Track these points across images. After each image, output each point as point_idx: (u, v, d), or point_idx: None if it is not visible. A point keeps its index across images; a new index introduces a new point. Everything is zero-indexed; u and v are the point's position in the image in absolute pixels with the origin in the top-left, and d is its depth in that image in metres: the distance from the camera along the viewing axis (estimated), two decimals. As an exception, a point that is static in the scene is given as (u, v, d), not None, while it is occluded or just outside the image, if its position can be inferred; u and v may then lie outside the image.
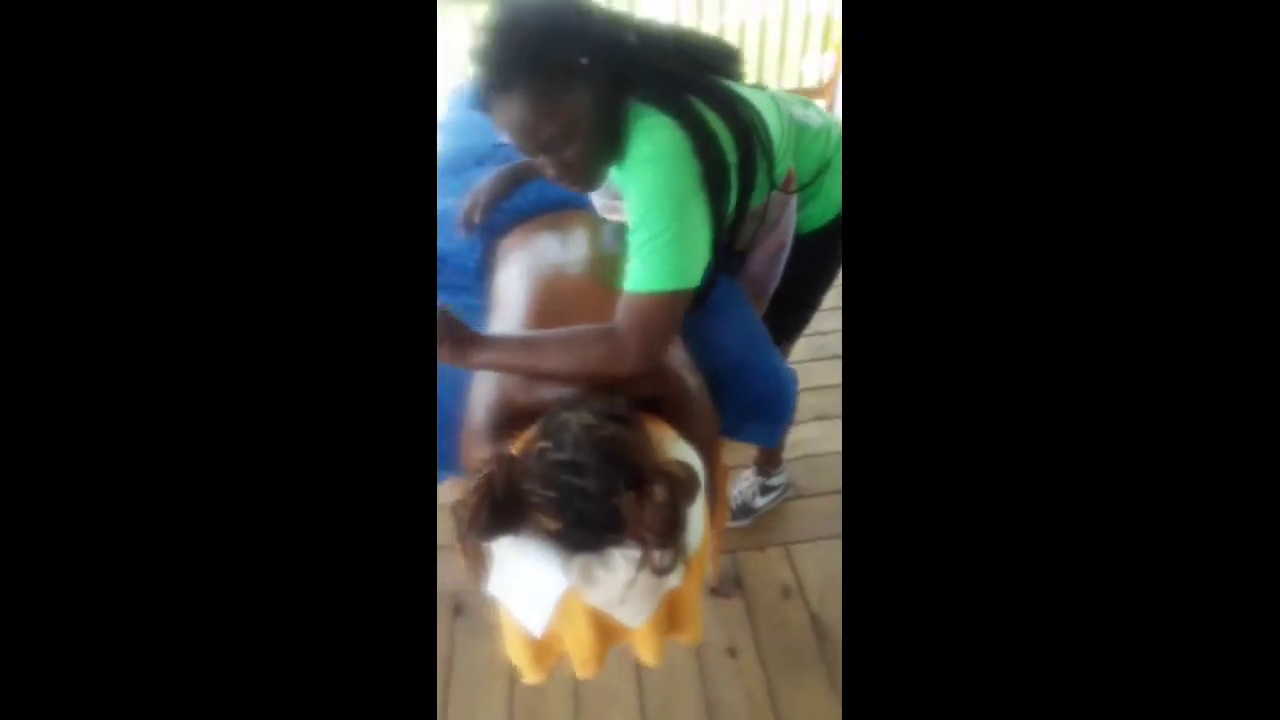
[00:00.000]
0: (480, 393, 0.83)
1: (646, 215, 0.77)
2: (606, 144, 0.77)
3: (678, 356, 0.87)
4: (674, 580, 0.71)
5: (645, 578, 0.68)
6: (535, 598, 0.70)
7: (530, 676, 0.90)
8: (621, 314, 0.78)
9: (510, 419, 0.81)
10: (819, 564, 1.39)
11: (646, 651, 0.80)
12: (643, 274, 0.77)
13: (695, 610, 0.83)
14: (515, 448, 0.71)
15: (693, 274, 0.79)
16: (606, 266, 0.90)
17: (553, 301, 0.87)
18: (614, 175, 0.82)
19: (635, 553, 0.67)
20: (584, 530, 0.67)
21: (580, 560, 0.69)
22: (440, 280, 1.07)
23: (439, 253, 1.07)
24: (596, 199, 1.01)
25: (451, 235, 1.07)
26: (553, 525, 0.66)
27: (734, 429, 0.95)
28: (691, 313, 0.83)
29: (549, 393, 0.79)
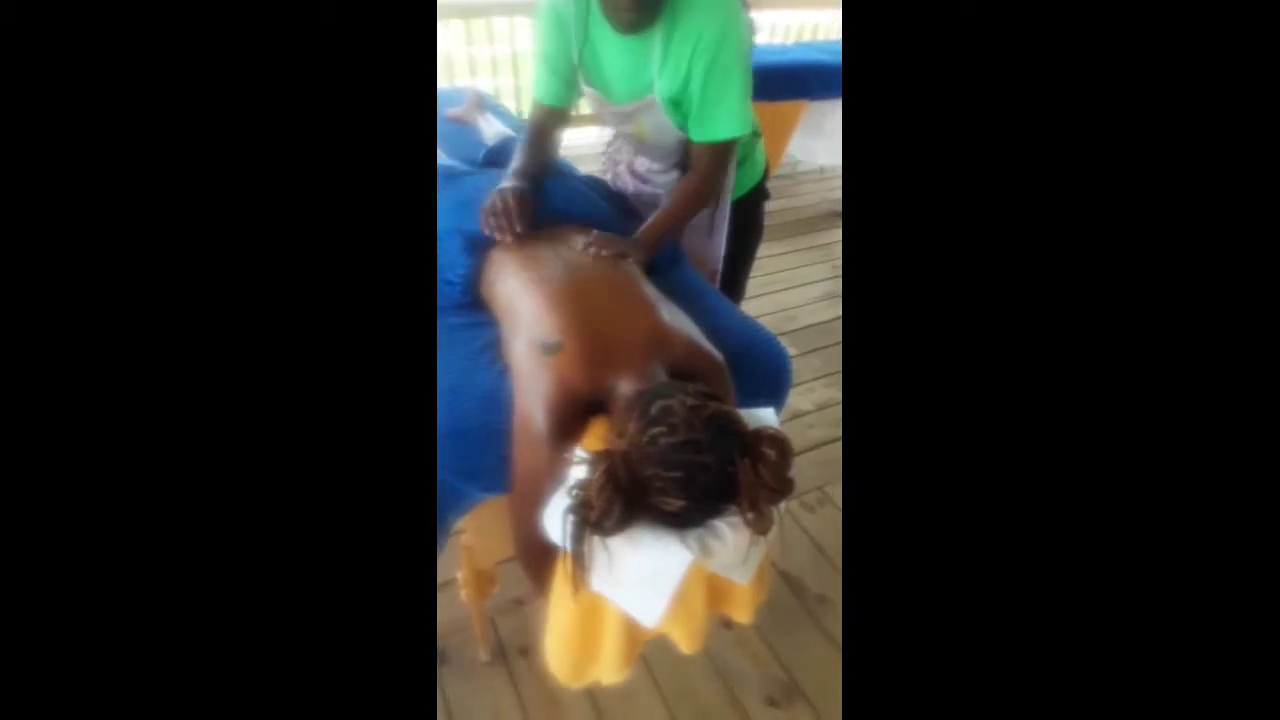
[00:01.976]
0: (533, 398, 0.83)
1: (713, 67, 1.00)
2: None
3: (702, 337, 0.93)
4: (772, 536, 0.78)
5: (755, 539, 0.74)
6: (660, 577, 0.72)
7: (575, 681, 0.91)
8: (707, 160, 1.11)
9: (574, 415, 0.82)
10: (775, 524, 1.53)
11: (743, 612, 0.85)
12: (718, 125, 1.06)
13: (768, 566, 0.90)
14: (617, 441, 0.73)
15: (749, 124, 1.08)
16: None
17: (579, 298, 0.90)
18: (668, 35, 1.00)
19: (737, 519, 0.73)
20: (705, 503, 0.71)
21: (695, 534, 0.73)
22: None
23: None
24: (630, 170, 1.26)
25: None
26: (677, 504, 0.70)
27: (744, 406, 1.03)
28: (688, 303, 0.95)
29: (613, 381, 0.82)
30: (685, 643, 0.82)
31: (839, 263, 2.65)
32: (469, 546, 1.01)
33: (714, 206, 1.29)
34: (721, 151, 1.12)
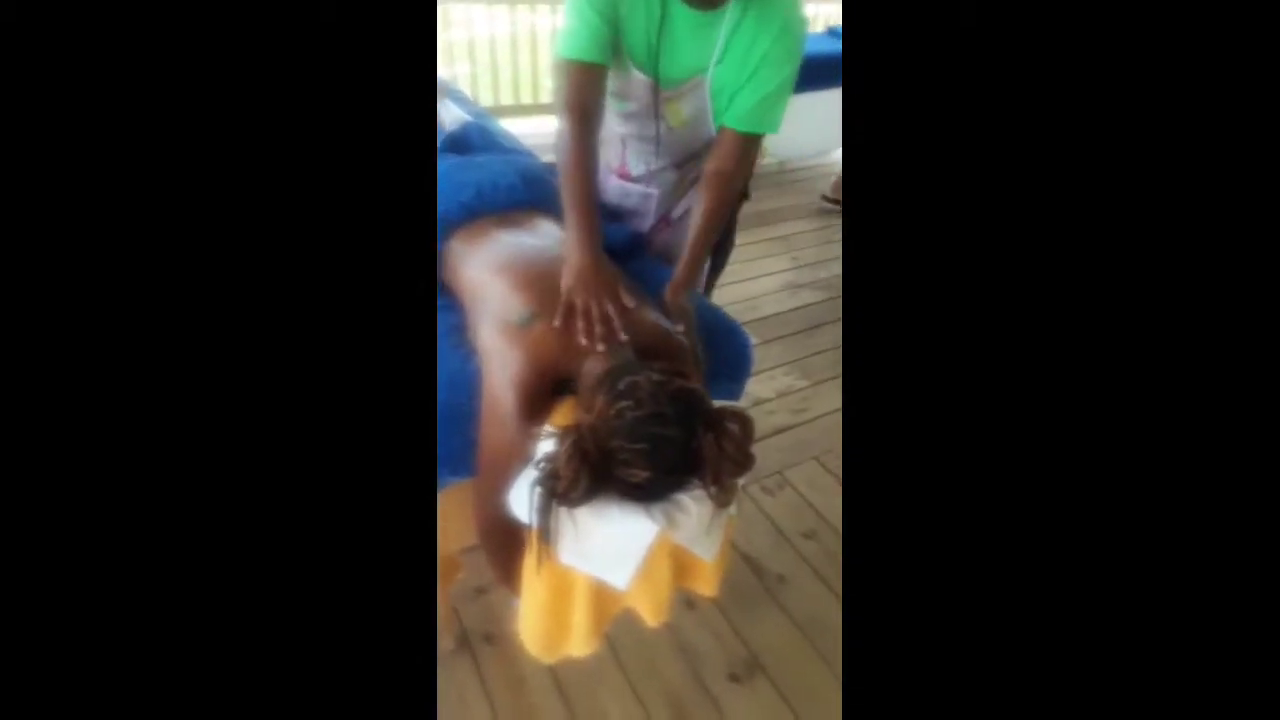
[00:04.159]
0: (503, 376, 0.84)
1: (781, 59, 0.99)
2: None
3: (666, 320, 0.95)
4: (732, 510, 0.80)
5: (718, 512, 0.76)
6: (626, 549, 0.74)
7: (550, 656, 0.92)
8: (741, 152, 1.05)
9: (543, 393, 0.83)
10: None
11: (707, 584, 0.87)
12: (764, 117, 1.03)
13: (729, 543, 0.92)
14: (584, 416, 0.74)
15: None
16: None
17: (548, 279, 0.90)
18: (742, 15, 0.98)
19: (701, 492, 0.75)
20: (669, 475, 0.73)
21: (659, 507, 0.75)
22: None
23: None
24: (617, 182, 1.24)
25: None
26: (642, 475, 0.72)
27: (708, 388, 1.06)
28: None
29: (581, 358, 0.83)
30: (651, 614, 0.84)
31: (799, 254, 2.70)
32: (433, 530, 1.00)
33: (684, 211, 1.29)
34: (753, 144, 1.07)
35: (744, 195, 1.43)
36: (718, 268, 1.48)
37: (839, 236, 2.86)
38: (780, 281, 2.51)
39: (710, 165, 1.07)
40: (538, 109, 3.16)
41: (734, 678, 1.26)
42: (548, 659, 0.94)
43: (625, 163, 1.26)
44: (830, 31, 3.50)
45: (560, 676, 1.21)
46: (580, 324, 0.84)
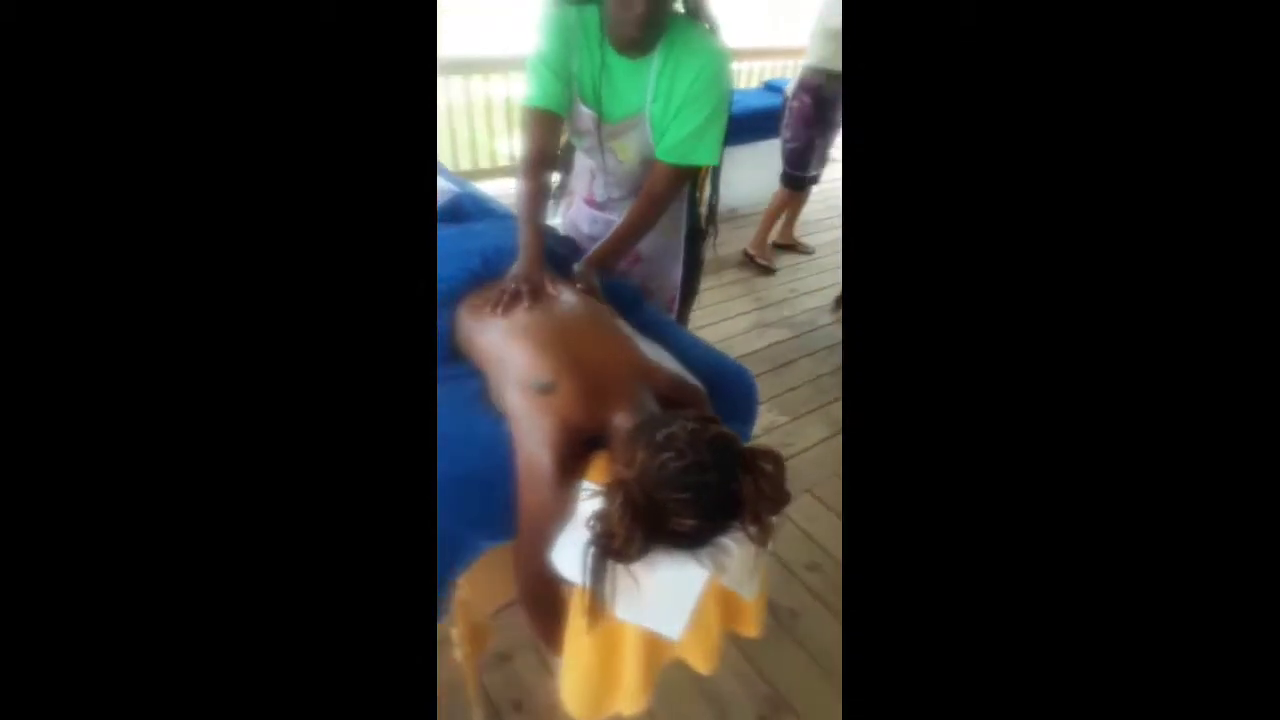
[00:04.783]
0: (535, 439, 0.86)
1: (701, 97, 1.14)
2: (665, 13, 1.09)
3: (681, 367, 0.99)
4: (770, 548, 0.83)
5: (759, 551, 0.79)
6: (678, 598, 0.76)
7: (595, 717, 0.93)
8: (665, 182, 1.23)
9: (575, 452, 0.85)
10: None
11: (751, 625, 0.89)
12: (689, 150, 1.18)
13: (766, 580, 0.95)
14: (625, 471, 0.77)
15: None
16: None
17: (565, 339, 0.94)
18: (665, 60, 1.14)
19: (741, 534, 0.79)
20: (713, 520, 0.76)
21: (705, 552, 0.78)
22: None
23: None
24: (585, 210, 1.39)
25: None
26: (689, 524, 0.74)
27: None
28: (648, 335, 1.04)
29: (608, 415, 0.86)
30: (702, 663, 0.86)
31: (761, 294, 2.80)
32: (464, 601, 1.00)
33: (674, 233, 1.40)
34: (680, 176, 1.25)
35: (704, 231, 1.54)
36: (689, 296, 1.59)
37: (798, 276, 2.98)
38: (748, 322, 2.60)
39: (644, 187, 1.27)
40: (497, 171, 3.24)
41: (763, 718, 1.27)
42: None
43: (592, 191, 1.44)
44: (766, 86, 3.72)
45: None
46: (505, 300, 1.01)
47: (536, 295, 1.03)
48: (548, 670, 1.28)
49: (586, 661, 0.87)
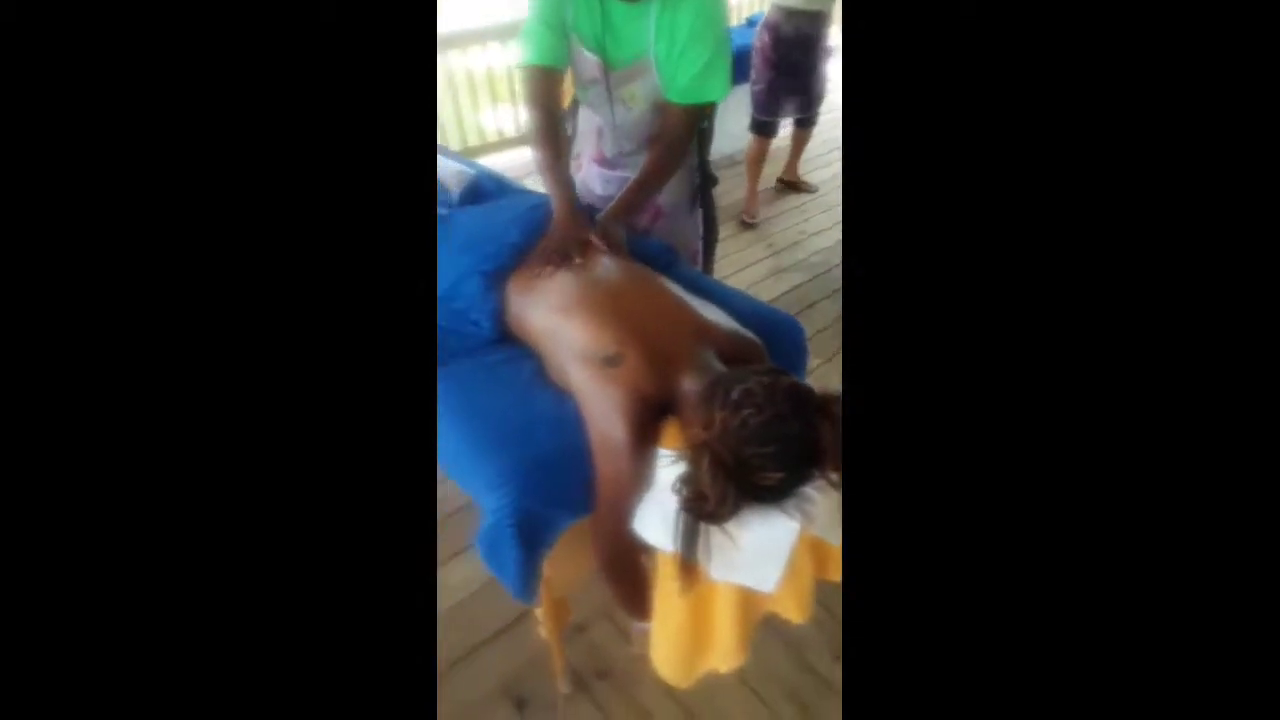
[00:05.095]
0: (606, 412, 0.85)
1: (704, 31, 1.12)
2: None
3: (735, 323, 0.98)
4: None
5: (837, 496, 0.79)
6: (771, 552, 0.76)
7: (689, 677, 0.94)
8: (679, 124, 1.21)
9: (649, 420, 0.84)
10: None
11: (838, 570, 0.90)
12: (701, 87, 1.16)
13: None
14: (703, 433, 0.76)
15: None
16: None
17: (621, 308, 0.92)
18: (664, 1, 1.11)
19: (821, 481, 0.78)
20: (797, 471, 0.75)
21: (791, 504, 0.77)
22: (452, 348, 1.02)
23: (443, 327, 1.04)
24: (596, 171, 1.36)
25: (452, 307, 1.04)
26: (776, 477, 0.74)
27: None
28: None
29: (675, 379, 0.85)
30: (796, 612, 0.86)
31: (773, 239, 2.76)
32: (547, 579, 1.00)
33: (693, 186, 1.38)
34: (695, 115, 1.23)
35: (714, 177, 1.50)
36: (710, 246, 1.56)
37: (806, 217, 2.93)
38: (765, 269, 2.56)
39: (656, 133, 1.27)
40: (510, 143, 3.17)
41: (838, 656, 1.29)
42: (685, 682, 0.95)
43: (601, 149, 1.39)
44: (748, 22, 3.59)
45: (681, 698, 1.22)
46: (552, 259, 1.01)
47: (583, 249, 1.02)
48: (625, 638, 1.30)
49: (678, 624, 0.88)
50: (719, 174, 1.55)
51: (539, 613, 1.07)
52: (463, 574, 1.42)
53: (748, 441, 0.73)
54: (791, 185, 3.11)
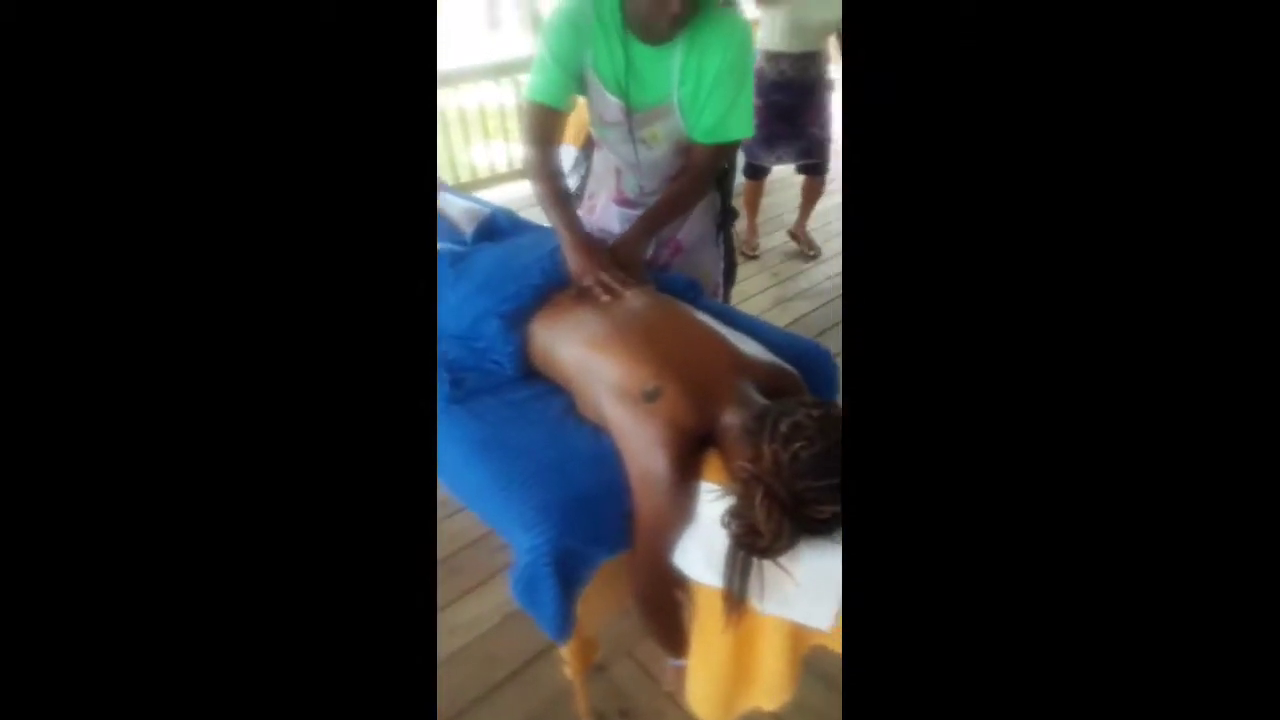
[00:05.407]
0: (646, 446, 0.83)
1: (731, 73, 1.11)
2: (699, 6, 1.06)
3: (770, 354, 0.97)
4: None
5: None
6: (824, 587, 0.74)
7: (729, 716, 0.91)
8: (705, 161, 1.21)
9: (690, 454, 0.83)
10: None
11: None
12: (727, 126, 1.16)
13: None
14: (751, 467, 0.75)
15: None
16: None
17: (655, 342, 0.91)
18: (690, 44, 1.11)
19: None
20: None
21: (841, 536, 0.76)
22: (473, 385, 1.01)
23: (464, 365, 1.02)
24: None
25: (473, 346, 1.03)
26: (830, 510, 0.72)
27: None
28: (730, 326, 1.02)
29: (716, 412, 0.84)
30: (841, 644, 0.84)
31: (776, 269, 2.78)
32: (578, 616, 0.98)
33: (717, 221, 1.38)
34: (719, 153, 1.23)
35: (733, 211, 1.51)
36: (729, 281, 1.58)
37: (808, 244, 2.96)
38: (770, 299, 2.58)
39: (685, 169, 1.26)
40: (510, 176, 3.19)
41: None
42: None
43: (621, 189, 1.37)
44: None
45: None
46: (596, 292, 1.02)
47: (607, 286, 1.02)
48: (649, 676, 1.26)
49: (720, 660, 0.86)
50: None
51: (563, 650, 1.04)
52: (479, 609, 1.39)
53: (801, 475, 0.72)
54: (796, 240, 2.91)
